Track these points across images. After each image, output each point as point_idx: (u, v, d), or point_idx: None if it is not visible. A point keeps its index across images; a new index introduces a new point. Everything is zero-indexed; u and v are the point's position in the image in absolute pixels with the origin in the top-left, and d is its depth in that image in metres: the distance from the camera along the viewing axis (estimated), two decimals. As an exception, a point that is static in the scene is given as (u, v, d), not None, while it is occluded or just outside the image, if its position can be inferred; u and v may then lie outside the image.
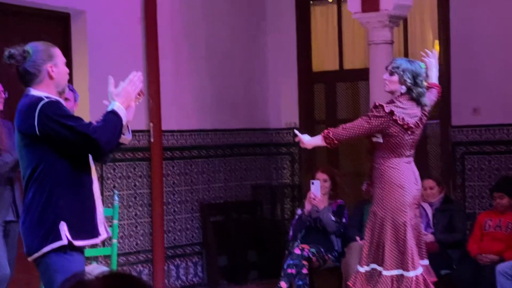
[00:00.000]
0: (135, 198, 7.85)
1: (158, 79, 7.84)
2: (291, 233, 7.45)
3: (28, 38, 7.21)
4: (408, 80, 5.69)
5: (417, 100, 5.73)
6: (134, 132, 7.93)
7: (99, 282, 1.56)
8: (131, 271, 7.74)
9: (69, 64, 7.41)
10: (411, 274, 5.69)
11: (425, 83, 5.80)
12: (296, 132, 5.95)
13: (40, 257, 4.04)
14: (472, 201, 8.26)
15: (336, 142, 5.68)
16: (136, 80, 4.24)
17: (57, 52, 4.14)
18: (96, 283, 1.56)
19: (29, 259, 4.13)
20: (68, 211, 4.01)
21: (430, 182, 7.30)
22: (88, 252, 6.40)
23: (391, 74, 5.74)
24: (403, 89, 5.72)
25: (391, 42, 7.81)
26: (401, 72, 5.70)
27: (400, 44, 8.59)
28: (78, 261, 4.06)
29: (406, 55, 8.62)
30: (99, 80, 7.41)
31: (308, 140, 5.84)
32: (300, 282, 7.00)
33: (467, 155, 8.31)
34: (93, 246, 7.31)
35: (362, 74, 8.32)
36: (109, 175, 7.61)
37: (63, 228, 3.99)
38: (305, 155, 9.14)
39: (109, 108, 4.15)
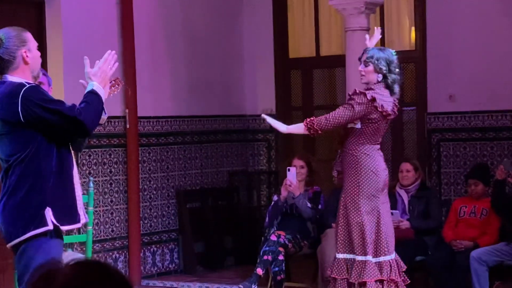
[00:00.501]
0: (110, 184, 7.82)
1: (134, 65, 7.79)
2: (267, 219, 7.45)
3: (1, 23, 7.15)
4: (384, 68, 5.76)
5: (391, 88, 5.80)
6: (109, 118, 7.90)
7: (69, 270, 1.54)
8: (107, 258, 7.71)
9: (43, 50, 7.36)
10: (387, 258, 5.77)
11: (397, 70, 5.85)
12: (264, 116, 5.89)
13: (22, 242, 4.02)
14: (447, 188, 8.30)
15: (320, 132, 5.73)
16: (111, 59, 4.24)
17: (29, 36, 4.12)
18: (66, 271, 1.54)
19: (9, 244, 4.09)
20: (52, 197, 4.02)
21: (407, 165, 7.32)
22: (63, 239, 6.37)
23: (366, 64, 5.80)
24: (380, 77, 5.78)
25: (368, 29, 7.80)
26: (376, 61, 5.77)
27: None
28: (58, 247, 4.10)
29: (382, 42, 8.62)
30: (74, 65, 7.35)
31: (286, 128, 5.86)
32: (276, 269, 7.02)
33: (442, 142, 8.35)
34: (69, 233, 7.28)
35: (339, 61, 8.31)
36: (84, 161, 7.56)
37: (49, 213, 4.00)
38: (281, 142, 9.14)
39: (89, 89, 4.17)
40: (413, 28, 8.63)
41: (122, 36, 7.78)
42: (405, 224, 7.09)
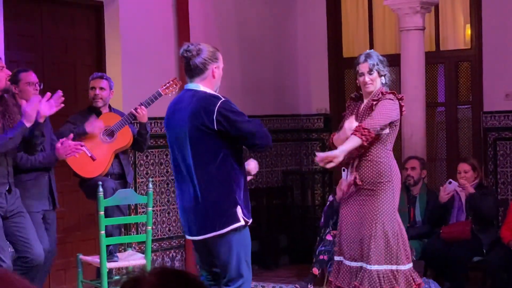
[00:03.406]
0: (167, 184, 7.92)
1: (190, 66, 7.87)
2: (322, 219, 7.47)
3: (62, 26, 7.30)
4: (385, 69, 5.64)
5: (387, 86, 5.70)
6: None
7: (154, 278, 1.58)
8: (164, 257, 7.82)
9: (102, 52, 7.49)
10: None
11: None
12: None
13: (217, 236, 4.62)
14: (504, 187, 8.22)
15: None
16: None
17: (220, 56, 4.77)
18: (151, 279, 1.58)
19: (202, 237, 4.67)
20: (239, 196, 4.62)
21: (464, 166, 7.24)
22: (122, 239, 6.48)
23: (370, 73, 5.60)
24: (383, 79, 5.64)
25: (423, 28, 7.78)
26: (377, 66, 5.61)
27: (432, 30, 8.55)
28: (249, 236, 4.74)
29: (437, 41, 8.58)
30: (132, 68, 7.47)
31: None
32: (332, 268, 7.03)
33: (499, 141, 8.27)
34: (127, 232, 7.40)
35: (393, 60, 8.24)
36: (141, 161, 7.67)
37: (239, 211, 4.61)
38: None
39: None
40: (468, 26, 8.56)
41: (178, 38, 7.87)
42: (468, 187, 6.99)
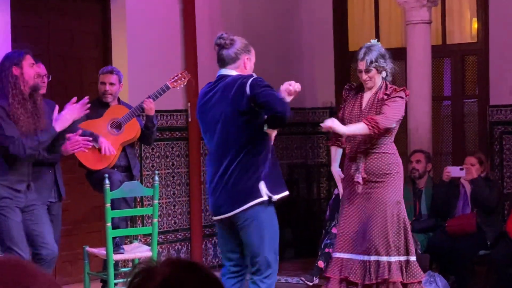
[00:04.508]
0: (173, 177, 7.93)
1: (196, 59, 7.88)
2: (328, 212, 7.48)
3: (68, 19, 7.31)
4: (385, 65, 5.62)
5: (388, 80, 5.67)
6: (172, 112, 8.00)
7: (167, 269, 1.57)
8: (170, 250, 7.84)
9: (108, 45, 7.50)
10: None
11: (390, 58, 5.72)
12: (323, 125, 5.50)
13: (244, 211, 4.79)
14: (510, 181, 8.21)
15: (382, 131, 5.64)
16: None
17: (253, 50, 4.94)
18: (164, 270, 1.57)
19: (230, 214, 4.84)
20: (264, 173, 4.74)
21: (471, 159, 7.22)
22: (129, 232, 6.50)
23: (368, 71, 5.61)
24: (384, 74, 5.63)
25: (429, 22, 7.76)
26: (375, 63, 5.59)
27: (438, 24, 8.53)
28: (273, 213, 4.92)
29: (443, 34, 8.56)
30: (138, 61, 7.47)
31: (347, 130, 5.56)
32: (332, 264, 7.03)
33: (505, 135, 8.25)
34: (133, 225, 7.41)
35: (399, 54, 8.24)
36: (147, 154, 7.68)
37: (262, 186, 4.74)
38: (341, 135, 9.15)
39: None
40: (474, 20, 8.54)
41: (184, 31, 7.87)
42: (473, 171, 6.99)
